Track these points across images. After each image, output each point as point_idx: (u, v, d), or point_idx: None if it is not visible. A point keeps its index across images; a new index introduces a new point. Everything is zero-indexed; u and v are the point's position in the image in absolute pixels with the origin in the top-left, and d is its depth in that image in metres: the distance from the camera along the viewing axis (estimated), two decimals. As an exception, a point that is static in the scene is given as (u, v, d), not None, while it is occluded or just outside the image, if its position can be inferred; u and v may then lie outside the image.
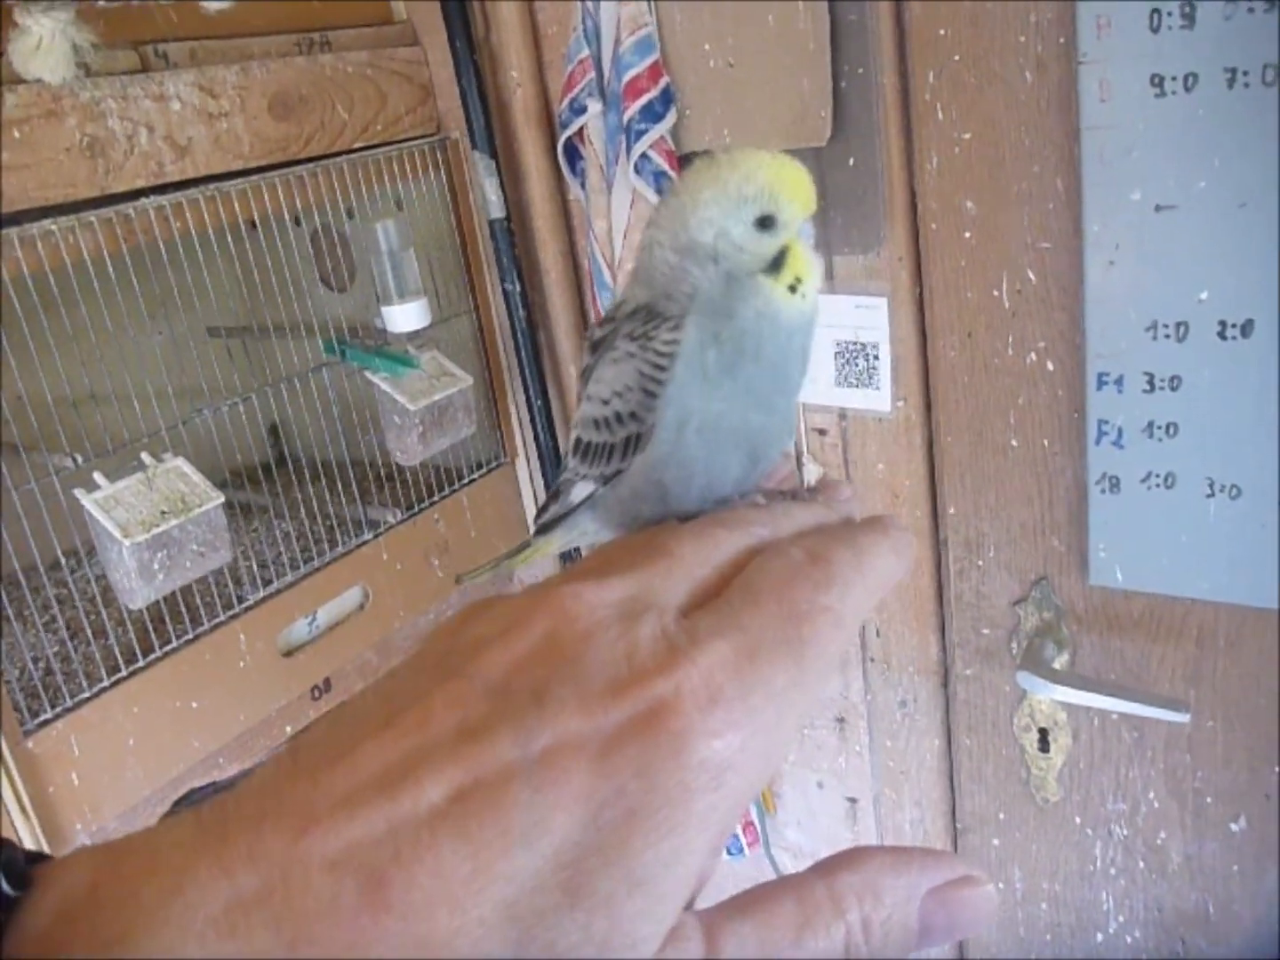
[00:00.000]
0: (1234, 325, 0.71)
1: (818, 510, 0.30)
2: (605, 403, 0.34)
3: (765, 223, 0.31)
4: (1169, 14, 0.67)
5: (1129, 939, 0.96)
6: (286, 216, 0.93)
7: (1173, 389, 0.75)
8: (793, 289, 0.31)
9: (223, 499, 0.82)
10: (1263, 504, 0.74)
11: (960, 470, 0.88)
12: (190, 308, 0.96)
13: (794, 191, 0.32)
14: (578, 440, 0.36)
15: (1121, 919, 0.96)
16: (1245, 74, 0.66)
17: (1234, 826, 0.87)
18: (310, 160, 0.92)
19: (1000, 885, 1.02)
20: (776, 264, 0.31)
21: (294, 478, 1.01)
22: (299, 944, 0.17)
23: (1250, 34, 0.64)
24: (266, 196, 0.88)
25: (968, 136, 0.78)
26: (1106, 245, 0.74)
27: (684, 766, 0.20)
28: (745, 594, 0.23)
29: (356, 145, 0.96)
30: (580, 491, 0.36)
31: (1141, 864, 0.93)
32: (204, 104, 0.85)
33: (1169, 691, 0.84)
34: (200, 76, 0.85)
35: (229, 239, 0.88)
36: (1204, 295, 0.72)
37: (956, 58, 0.76)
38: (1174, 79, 0.68)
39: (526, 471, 1.13)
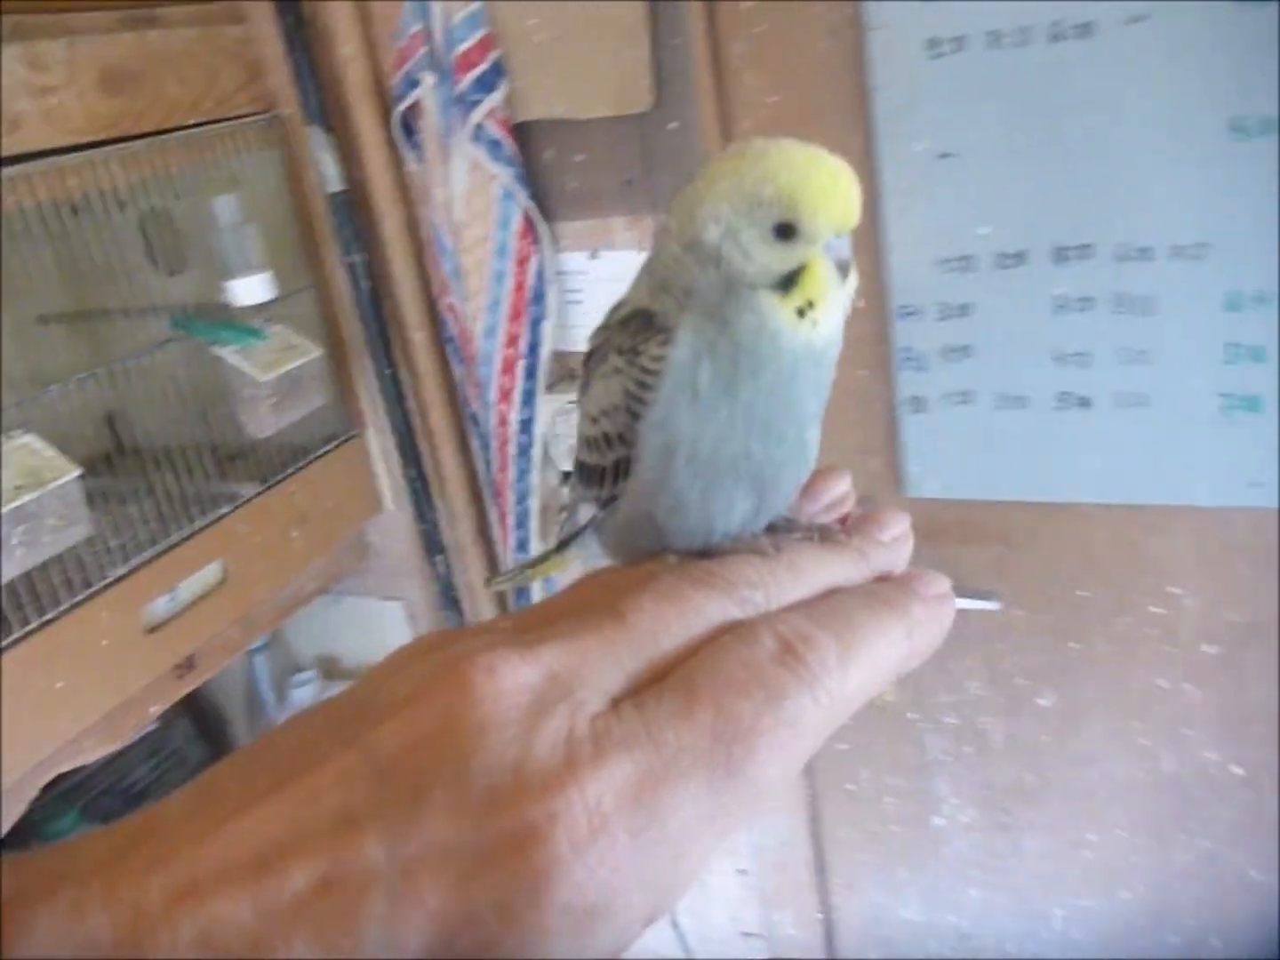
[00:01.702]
0: (1009, 256, 0.82)
1: (844, 562, 0.27)
2: (594, 421, 0.31)
3: (785, 232, 0.27)
4: (938, -16, 0.77)
5: (964, 819, 1.08)
6: (113, 198, 0.92)
7: (962, 315, 0.85)
8: (802, 313, 0.27)
9: (79, 471, 0.82)
10: (1044, 410, 0.86)
11: (788, 405, 0.97)
12: (14, 296, 0.94)
13: (823, 200, 0.27)
14: (577, 460, 0.33)
15: (955, 801, 1.07)
16: (1005, 35, 0.76)
17: (1042, 702, 0.99)
18: (145, 136, 0.92)
19: (850, 786, 1.12)
20: (789, 282, 0.27)
21: (141, 461, 1.01)
22: None
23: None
24: (99, 173, 0.88)
25: (775, 99, 0.86)
26: (899, 192, 0.84)
27: (542, 909, 0.18)
28: (683, 693, 0.21)
29: (190, 122, 0.97)
30: (585, 513, 0.34)
31: (968, 748, 1.04)
32: (32, 78, 0.84)
33: (983, 586, 0.96)
34: (27, 50, 0.84)
35: (59, 223, 0.87)
36: (983, 231, 0.82)
37: (762, 28, 0.84)
38: (946, 41, 0.78)
39: (378, 443, 1.15)
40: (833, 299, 0.28)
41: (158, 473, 0.99)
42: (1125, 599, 0.92)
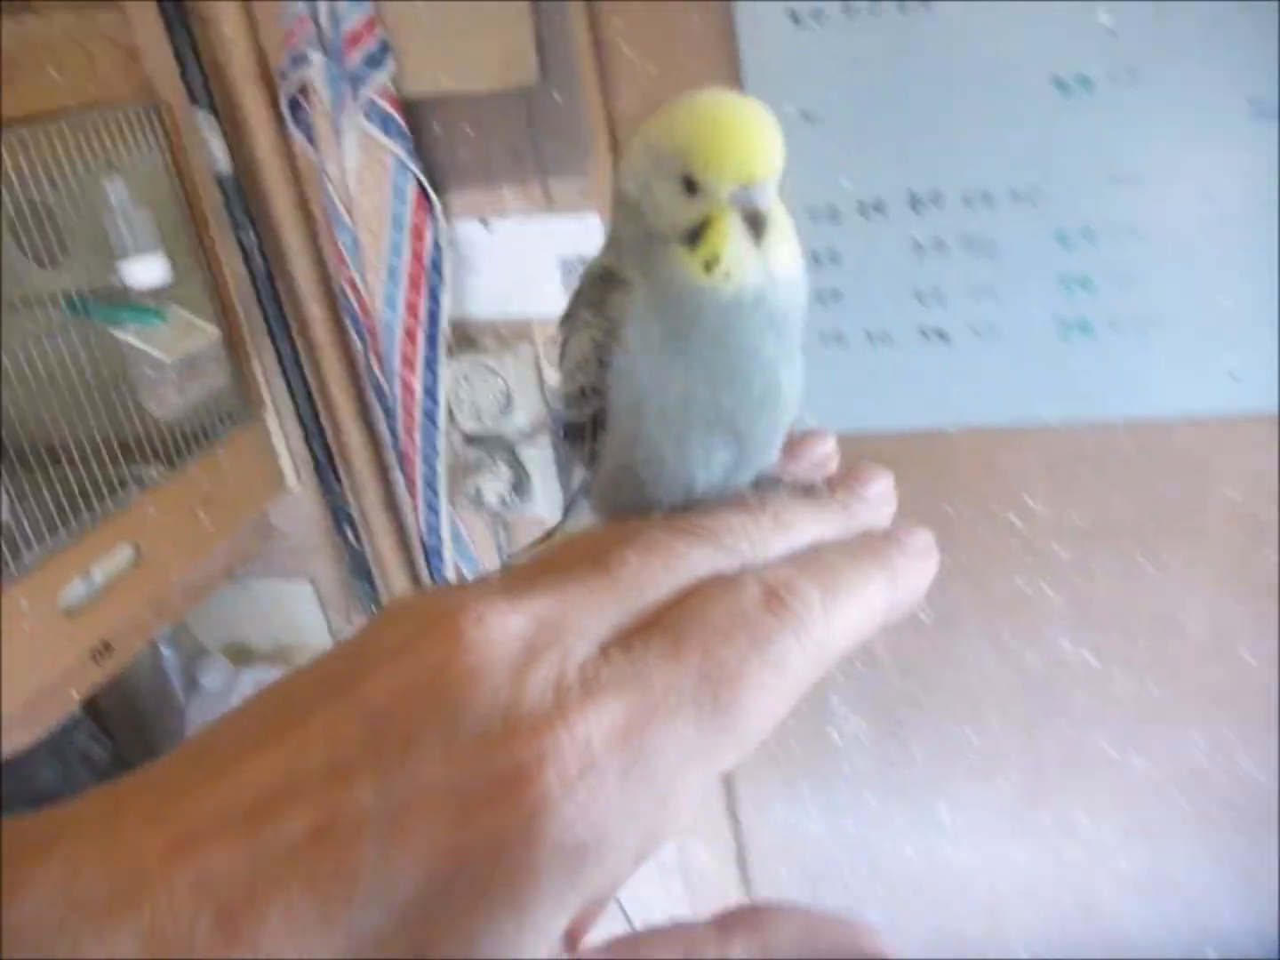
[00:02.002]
0: (870, 206, 0.92)
1: (829, 517, 0.27)
2: (571, 376, 0.31)
3: (690, 185, 0.27)
4: (795, -39, 0.85)
5: (858, 731, 1.18)
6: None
7: (833, 262, 0.94)
8: (709, 266, 0.27)
9: (-6, 454, 0.83)
10: (908, 345, 0.95)
11: (678, 357, 1.04)
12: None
13: (718, 151, 0.27)
14: (563, 421, 0.33)
15: (849, 715, 1.17)
16: (858, 7, 0.85)
17: (920, 615, 1.09)
18: (26, 122, 0.92)
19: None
20: (695, 235, 0.27)
21: (39, 450, 1.00)
22: None
23: (855, -26, 0.84)
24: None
25: (652, 70, 0.93)
26: (771, 151, 0.92)
27: (532, 846, 0.19)
28: (670, 638, 0.21)
29: (71, 108, 0.97)
30: (578, 476, 0.34)
31: (858, 664, 1.14)
32: (-88, 64, 0.84)
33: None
34: (-96, 36, 0.84)
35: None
36: (846, 184, 0.91)
37: (637, 3, 0.91)
38: (806, 14, 0.86)
39: (279, 421, 1.17)
40: (742, 251, 0.27)
41: (60, 460, 0.99)
42: (986, 512, 1.03)
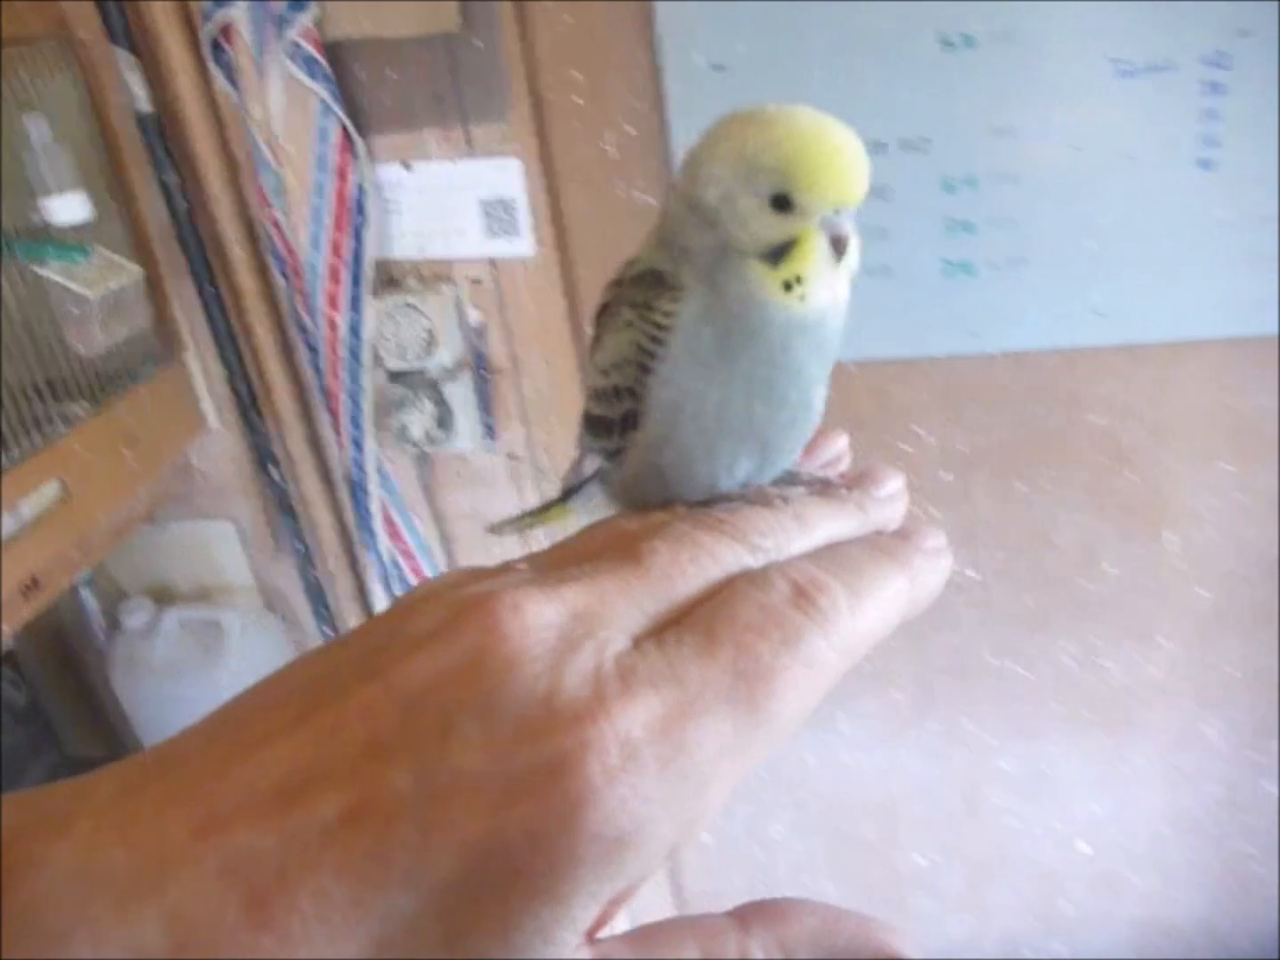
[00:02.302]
0: (775, 153, 0.98)
1: (845, 515, 0.28)
2: (605, 374, 0.32)
3: (780, 203, 0.28)
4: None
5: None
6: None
7: (741, 205, 1.01)
8: (789, 286, 0.28)
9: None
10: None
11: (593, 299, 1.10)
12: None
13: (821, 174, 0.28)
14: (585, 412, 0.34)
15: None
16: (759, -37, 0.91)
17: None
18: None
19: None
20: (780, 253, 0.28)
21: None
22: (183, 949, 0.17)
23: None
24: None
25: (569, 19, 0.98)
26: (680, 100, 0.98)
27: (574, 836, 0.18)
28: (703, 634, 0.21)
29: (-13, 42, 0.97)
30: (591, 464, 0.35)
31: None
32: None
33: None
34: None
35: None
36: (753, 132, 0.98)
37: (552, -46, 0.95)
38: (713, -33, 0.92)
39: (202, 361, 1.19)
40: (823, 274, 0.28)
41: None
42: (880, 441, 1.12)
